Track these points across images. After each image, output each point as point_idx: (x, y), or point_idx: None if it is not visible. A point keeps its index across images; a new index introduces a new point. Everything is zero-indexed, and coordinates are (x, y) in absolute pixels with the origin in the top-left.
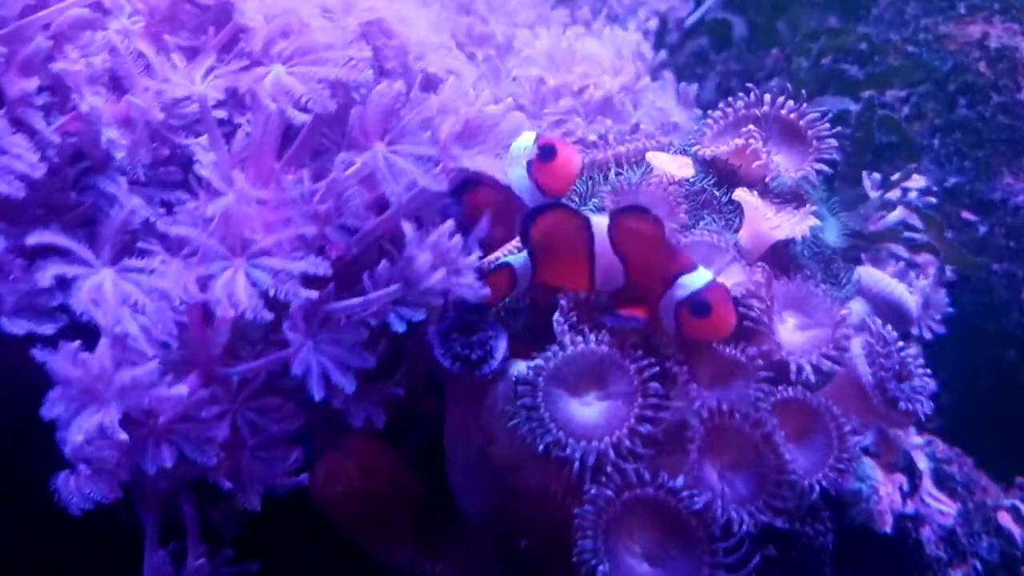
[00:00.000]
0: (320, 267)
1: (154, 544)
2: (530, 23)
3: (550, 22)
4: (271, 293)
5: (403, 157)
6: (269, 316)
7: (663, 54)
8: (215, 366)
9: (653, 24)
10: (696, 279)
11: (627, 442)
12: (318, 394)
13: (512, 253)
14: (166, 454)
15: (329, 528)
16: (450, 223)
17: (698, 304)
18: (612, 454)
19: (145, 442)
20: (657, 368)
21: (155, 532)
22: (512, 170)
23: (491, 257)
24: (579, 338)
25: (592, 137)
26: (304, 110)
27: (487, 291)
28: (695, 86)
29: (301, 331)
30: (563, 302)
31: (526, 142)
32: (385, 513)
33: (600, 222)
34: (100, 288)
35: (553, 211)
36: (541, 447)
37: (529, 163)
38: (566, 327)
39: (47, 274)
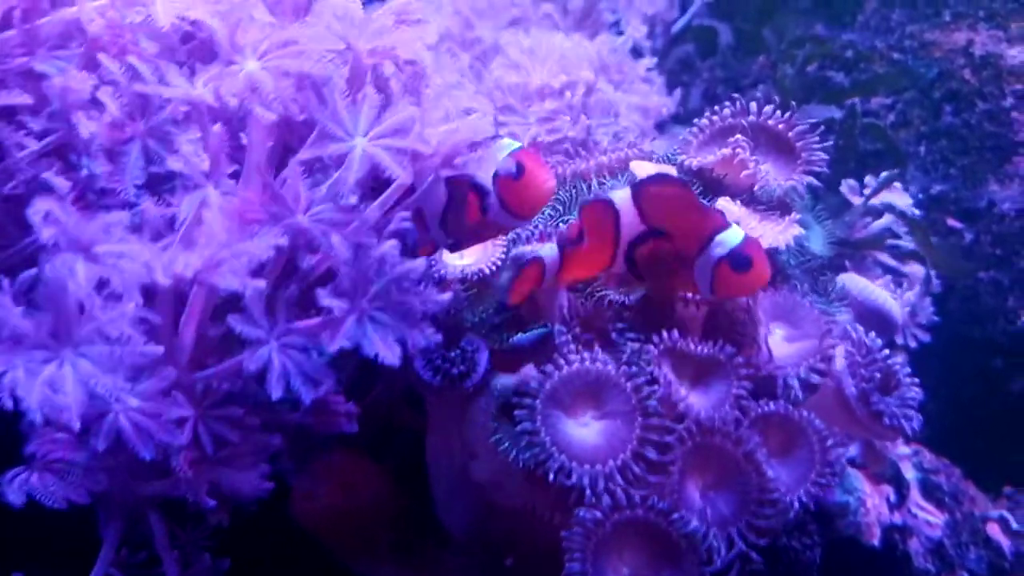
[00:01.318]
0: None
1: (110, 553)
2: (516, 25)
3: (537, 24)
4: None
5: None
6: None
7: (649, 58)
8: (182, 374)
9: (643, 31)
10: (732, 236)
11: (633, 465)
12: (276, 392)
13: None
14: (127, 428)
15: (311, 544)
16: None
17: (740, 259)
18: (620, 478)
19: (104, 417)
20: (655, 387)
21: (114, 541)
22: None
23: (525, 249)
24: (573, 356)
25: (571, 132)
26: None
27: (439, 338)
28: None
29: (264, 329)
30: (564, 310)
31: (501, 152)
32: (366, 529)
33: (622, 196)
34: (72, 268)
35: (585, 208)
36: (552, 477)
37: (495, 177)
38: (569, 337)
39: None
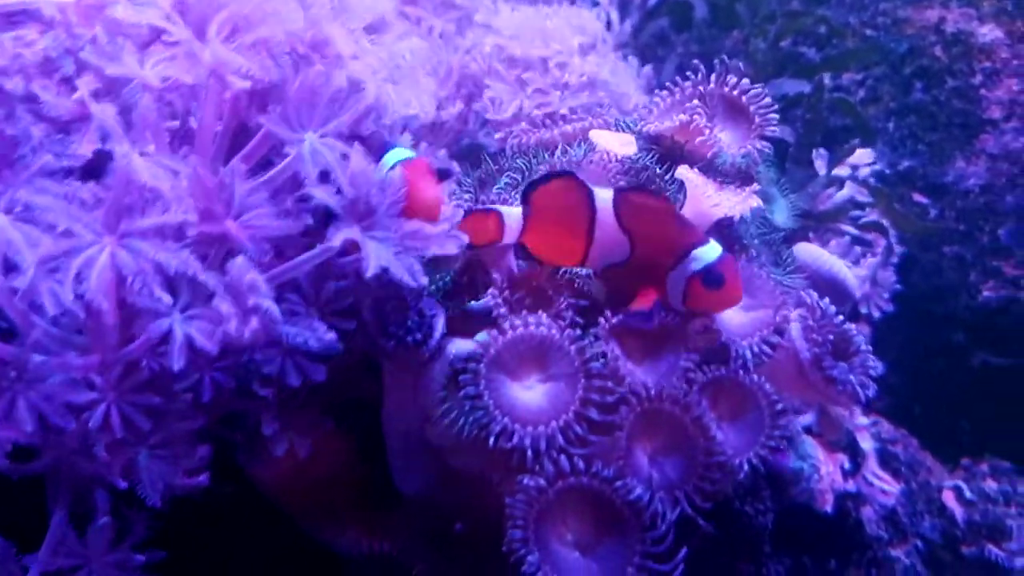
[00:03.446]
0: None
1: (60, 527)
2: None
3: None
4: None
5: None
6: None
7: (628, 28)
8: (108, 353)
9: (613, 16)
10: (709, 252)
11: (576, 426)
12: (177, 363)
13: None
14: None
15: (271, 509)
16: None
17: (713, 276)
18: (561, 438)
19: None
20: (598, 349)
21: (63, 517)
22: None
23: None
24: (518, 321)
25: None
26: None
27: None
28: (648, 67)
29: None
30: (496, 276)
31: (390, 162)
32: (328, 496)
33: (604, 195)
34: None
35: (559, 179)
36: (492, 439)
37: None
38: (500, 300)
39: None
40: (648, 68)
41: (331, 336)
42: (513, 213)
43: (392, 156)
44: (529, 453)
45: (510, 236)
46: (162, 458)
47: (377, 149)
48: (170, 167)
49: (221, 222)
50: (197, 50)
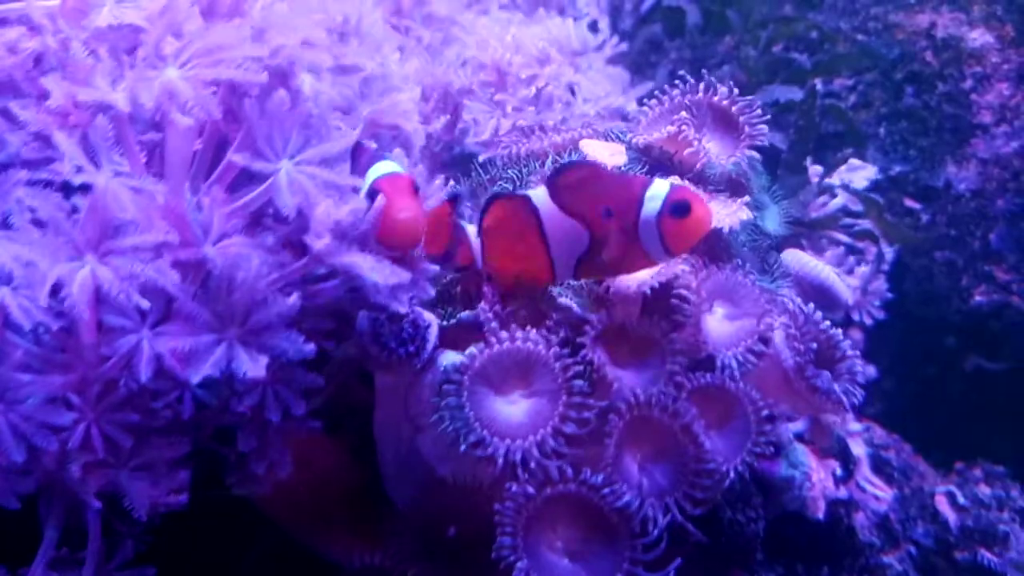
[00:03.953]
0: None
1: (50, 548)
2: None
3: (495, 6)
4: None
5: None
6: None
7: (615, 40)
8: (88, 370)
9: (604, 24)
10: (660, 187)
11: (551, 441)
12: (144, 375)
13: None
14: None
15: (266, 520)
16: None
17: (678, 204)
18: (536, 452)
19: None
20: (581, 367)
21: (54, 535)
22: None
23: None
24: (504, 335)
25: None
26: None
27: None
28: (644, 84)
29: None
30: (487, 289)
31: (373, 176)
32: (321, 505)
33: (540, 194)
34: None
35: (499, 200)
36: (464, 447)
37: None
38: (491, 315)
39: None
40: (643, 85)
41: (309, 347)
42: (476, 238)
43: (375, 170)
44: (500, 463)
45: (478, 260)
46: (142, 480)
47: (364, 161)
48: (145, 189)
49: (199, 248)
50: (151, 78)
